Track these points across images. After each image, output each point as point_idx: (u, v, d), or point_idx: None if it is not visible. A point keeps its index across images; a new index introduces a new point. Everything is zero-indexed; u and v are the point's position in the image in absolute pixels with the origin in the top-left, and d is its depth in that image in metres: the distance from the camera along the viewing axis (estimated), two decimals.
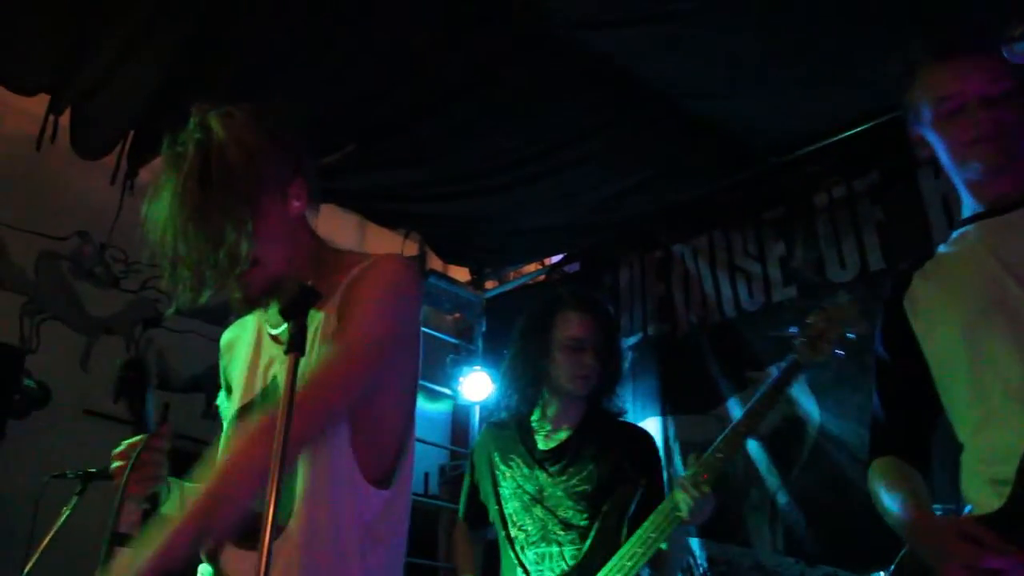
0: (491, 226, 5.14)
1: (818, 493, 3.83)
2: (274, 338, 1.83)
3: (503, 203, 4.79)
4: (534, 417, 3.04)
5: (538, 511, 2.88)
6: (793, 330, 2.80)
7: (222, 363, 1.99)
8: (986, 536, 1.50)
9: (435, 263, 5.65)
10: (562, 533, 2.83)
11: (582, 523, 2.82)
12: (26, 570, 2.89)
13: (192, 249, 1.65)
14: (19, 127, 4.11)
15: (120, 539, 2.69)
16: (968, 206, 1.87)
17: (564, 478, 2.89)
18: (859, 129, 4.02)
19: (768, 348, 4.20)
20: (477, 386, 5.37)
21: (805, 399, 4.01)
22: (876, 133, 3.95)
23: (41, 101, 3.82)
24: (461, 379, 5.42)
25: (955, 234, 1.90)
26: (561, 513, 2.85)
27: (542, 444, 2.99)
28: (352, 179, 4.53)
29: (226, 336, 2.01)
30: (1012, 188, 1.77)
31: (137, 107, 3.85)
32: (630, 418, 4.57)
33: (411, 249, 5.49)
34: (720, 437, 2.76)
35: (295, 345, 1.46)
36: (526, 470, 2.95)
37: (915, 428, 1.91)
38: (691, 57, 3.65)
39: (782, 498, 3.94)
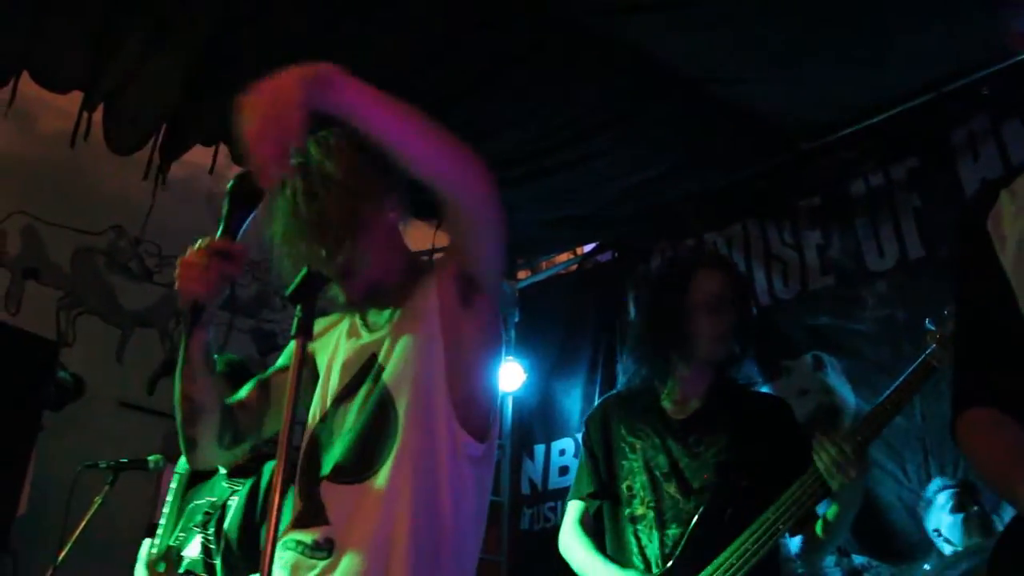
0: (522, 215, 5.11)
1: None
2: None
3: (534, 192, 4.76)
4: (665, 389, 2.86)
5: (671, 488, 2.67)
6: (930, 326, 2.55)
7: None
8: None
9: None
10: (692, 507, 2.61)
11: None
12: (60, 558, 2.95)
13: (305, 259, 1.77)
14: (54, 125, 4.18)
15: (152, 530, 2.73)
16: None
17: (701, 449, 2.69)
18: (893, 112, 3.94)
19: (803, 336, 4.14)
20: (510, 376, 5.37)
21: (841, 387, 3.96)
22: (912, 116, 3.88)
23: (74, 98, 3.88)
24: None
25: None
26: (696, 485, 2.65)
27: (674, 415, 2.81)
28: None
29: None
30: None
31: (168, 101, 3.89)
32: None
33: (442, 240, 5.48)
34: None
35: (303, 329, 1.49)
36: (657, 441, 2.75)
37: (1009, 363, 1.65)
38: (719, 41, 3.61)
39: None
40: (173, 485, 3.09)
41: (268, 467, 3.09)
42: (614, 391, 3.06)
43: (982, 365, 1.70)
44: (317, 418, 1.95)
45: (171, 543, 3.02)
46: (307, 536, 1.79)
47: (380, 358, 1.88)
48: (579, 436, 3.92)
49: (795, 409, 3.99)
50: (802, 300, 4.23)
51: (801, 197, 4.33)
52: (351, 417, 1.87)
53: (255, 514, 3.01)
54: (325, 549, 1.75)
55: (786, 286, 4.32)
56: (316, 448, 1.90)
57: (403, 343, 1.86)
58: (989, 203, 1.69)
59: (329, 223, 1.81)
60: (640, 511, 2.69)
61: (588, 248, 5.56)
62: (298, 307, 1.57)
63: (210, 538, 2.98)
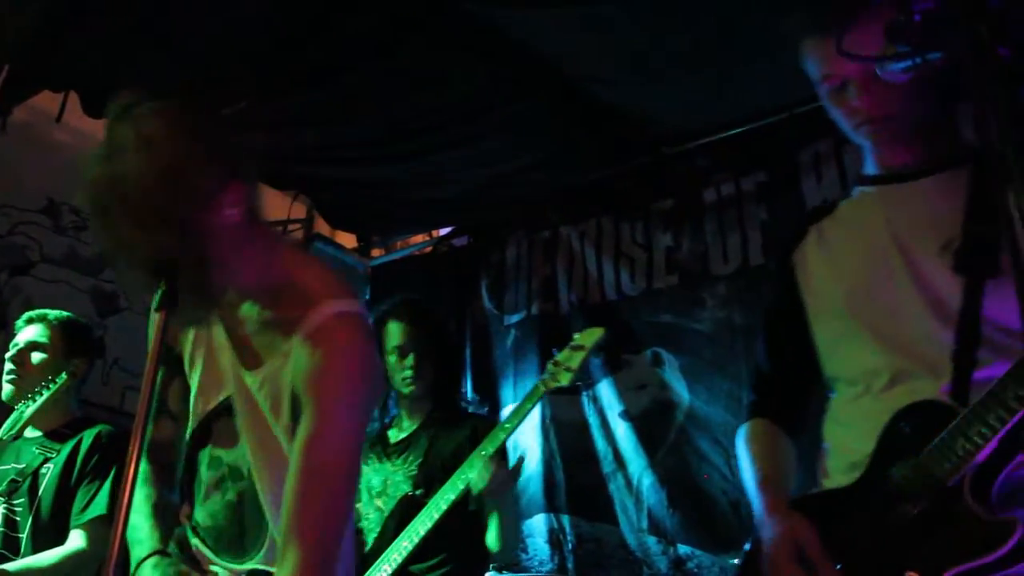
0: (381, 194, 5.09)
1: (681, 475, 3.96)
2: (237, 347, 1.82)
3: (394, 172, 4.75)
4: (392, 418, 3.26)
5: (380, 502, 3.00)
6: (555, 353, 3.15)
7: (183, 342, 1.96)
8: (818, 561, 1.53)
9: (322, 227, 5.58)
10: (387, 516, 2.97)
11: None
12: None
13: (113, 247, 1.65)
14: None
15: None
16: (871, 164, 1.83)
17: (404, 464, 3.03)
18: (749, 127, 4.14)
19: (646, 332, 4.31)
20: None
21: (676, 383, 4.14)
22: (766, 132, 4.09)
23: None
24: None
25: (856, 192, 1.88)
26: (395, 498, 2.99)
27: (393, 438, 3.17)
28: (243, 136, 4.41)
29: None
30: (911, 159, 1.73)
31: (12, 42, 3.67)
32: (509, 395, 4.68)
33: (298, 211, 5.40)
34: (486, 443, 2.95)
35: (166, 302, 1.48)
36: (377, 464, 3.09)
37: (797, 384, 1.93)
38: (594, 43, 3.69)
39: (647, 479, 4.06)
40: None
41: (89, 433, 2.98)
42: None
43: (766, 382, 1.97)
44: (191, 439, 1.90)
45: None
46: None
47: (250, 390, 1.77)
48: None
49: (631, 403, 4.22)
50: (647, 297, 4.40)
51: (656, 199, 4.51)
52: (222, 494, 1.83)
53: (71, 479, 2.90)
54: None
55: (633, 283, 4.48)
56: (192, 478, 1.89)
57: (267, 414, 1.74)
58: (799, 238, 1.92)
59: (133, 223, 1.59)
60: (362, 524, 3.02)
61: (444, 231, 5.59)
62: (161, 280, 1.55)
63: (15, 508, 2.83)
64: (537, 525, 4.28)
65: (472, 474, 2.80)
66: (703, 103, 4.04)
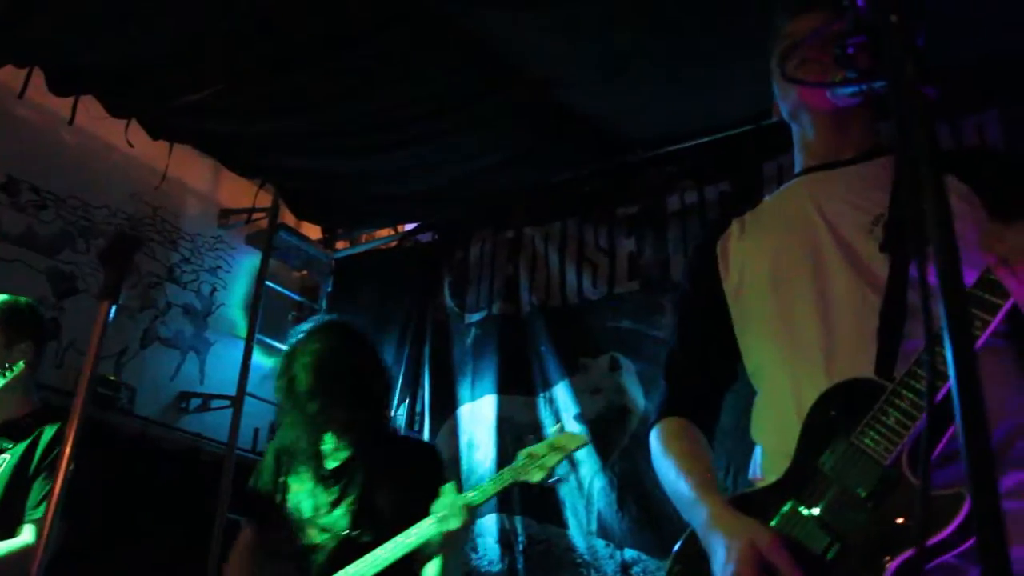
0: (348, 186, 5.08)
1: (631, 479, 3.98)
2: None
3: (362, 165, 4.75)
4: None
5: (313, 534, 2.85)
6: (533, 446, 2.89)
7: None
8: (786, 568, 1.42)
9: (287, 217, 5.56)
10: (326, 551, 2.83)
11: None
12: None
13: None
14: None
15: None
16: (800, 162, 1.84)
17: (341, 497, 2.87)
18: (716, 137, 4.18)
19: (605, 337, 4.33)
20: None
21: (633, 389, 4.16)
22: (732, 143, 4.13)
23: None
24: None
25: (783, 187, 1.88)
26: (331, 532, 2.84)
27: (328, 463, 2.95)
28: (212, 122, 4.40)
29: None
30: (840, 140, 1.75)
31: None
32: (467, 394, 4.68)
33: (264, 200, 5.38)
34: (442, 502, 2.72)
35: (108, 292, 1.47)
36: (310, 485, 2.93)
37: (713, 377, 1.86)
38: (566, 47, 3.71)
39: (598, 482, 4.08)
40: None
41: (50, 428, 2.92)
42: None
43: (679, 377, 1.88)
44: None
45: None
46: None
47: None
48: None
49: (586, 407, 4.24)
50: (608, 302, 4.42)
51: (621, 205, 4.53)
52: None
53: (27, 473, 2.85)
54: None
55: (595, 287, 4.50)
56: None
57: None
58: (722, 228, 1.88)
59: None
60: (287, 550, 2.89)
61: (409, 227, 5.59)
62: (107, 268, 1.54)
63: None
64: (488, 525, 4.29)
65: (431, 533, 2.63)
66: (671, 111, 4.08)
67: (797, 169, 1.85)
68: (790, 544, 1.44)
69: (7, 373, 2.80)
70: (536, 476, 2.78)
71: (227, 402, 5.17)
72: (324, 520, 2.84)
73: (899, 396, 1.38)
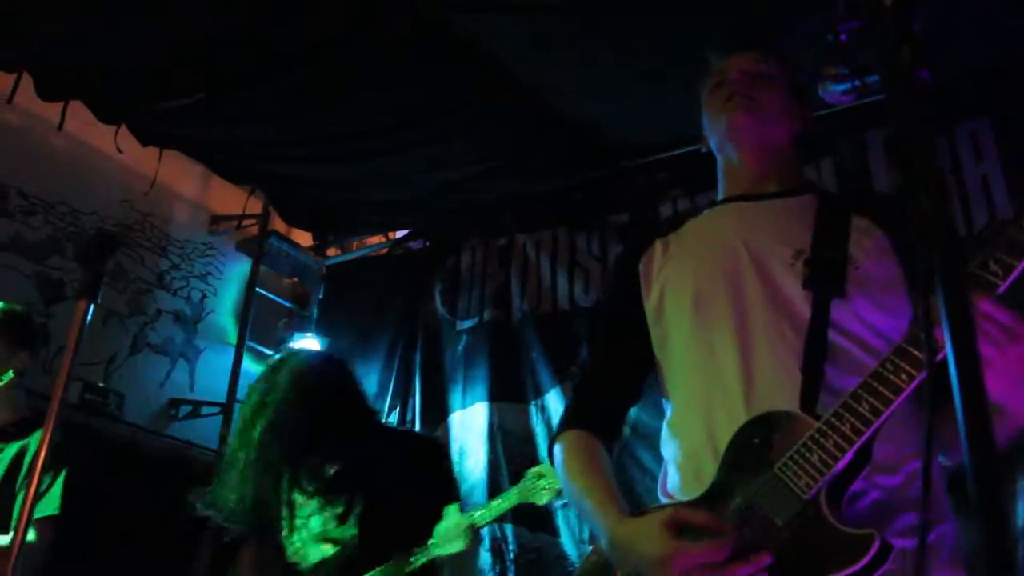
0: (338, 193, 5.07)
1: (623, 487, 3.92)
2: None
3: (353, 172, 4.74)
4: None
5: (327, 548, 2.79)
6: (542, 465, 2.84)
7: None
8: (702, 519, 1.45)
9: (278, 224, 5.54)
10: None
11: None
12: None
13: None
14: None
15: None
16: (723, 189, 1.87)
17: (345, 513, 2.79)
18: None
19: None
20: None
21: None
22: None
23: None
24: (292, 344, 5.35)
25: (705, 212, 1.90)
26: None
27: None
28: (201, 128, 4.39)
29: None
30: (764, 173, 1.79)
31: None
32: (457, 401, 4.66)
33: (254, 206, 5.36)
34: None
35: (87, 291, 1.46)
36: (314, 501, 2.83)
37: (621, 391, 1.86)
38: (558, 53, 3.71)
39: None
40: None
41: (37, 435, 2.89)
42: None
43: (587, 390, 1.90)
44: None
45: None
46: None
47: None
48: None
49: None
50: None
51: (613, 212, 4.53)
52: None
53: (16, 480, 2.82)
54: None
55: (586, 294, 4.49)
56: None
57: None
58: (644, 247, 1.89)
59: None
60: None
61: (400, 234, 5.57)
62: (85, 267, 1.54)
63: None
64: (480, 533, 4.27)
65: (435, 554, 2.60)
66: (662, 118, 4.06)
67: (720, 196, 1.89)
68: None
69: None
70: (544, 498, 2.76)
71: (217, 409, 5.14)
72: (333, 533, 2.74)
73: (823, 435, 1.40)
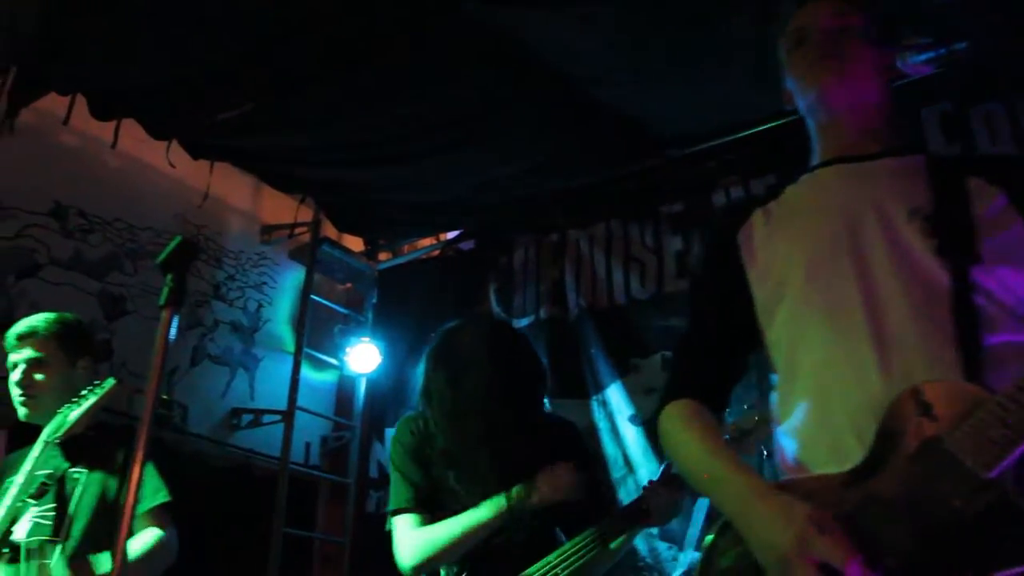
0: (387, 197, 5.08)
1: None
2: None
3: (401, 174, 4.75)
4: None
5: None
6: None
7: None
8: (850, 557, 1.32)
9: (329, 231, 5.57)
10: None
11: None
12: None
13: None
14: None
15: None
16: (820, 153, 1.77)
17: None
18: (759, 129, 4.11)
19: (655, 336, 4.28)
20: (364, 357, 5.34)
21: None
22: (776, 135, 4.05)
23: None
24: (348, 350, 5.38)
25: (805, 177, 1.78)
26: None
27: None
28: (250, 139, 4.43)
29: None
30: (864, 133, 1.70)
31: (18, 44, 3.67)
32: None
33: (305, 215, 5.40)
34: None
35: (173, 299, 1.46)
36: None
37: (727, 364, 1.78)
38: (601, 44, 3.67)
39: None
40: (36, 452, 2.82)
41: (112, 439, 2.91)
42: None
43: (692, 360, 1.80)
44: None
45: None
46: None
47: None
48: None
49: (640, 406, 4.19)
50: (657, 301, 4.37)
51: (666, 202, 4.49)
52: None
53: (105, 483, 2.81)
54: None
55: (643, 287, 4.46)
56: None
57: None
58: (742, 218, 1.79)
59: None
60: None
61: (451, 235, 5.57)
62: (168, 276, 1.54)
63: (45, 510, 2.77)
64: None
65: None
66: (708, 106, 4.02)
67: (816, 160, 1.78)
68: (857, 532, 1.35)
69: (97, 391, 2.78)
70: (616, 543, 2.69)
71: (278, 417, 5.18)
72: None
73: (1004, 409, 1.29)
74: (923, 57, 1.29)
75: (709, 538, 1.58)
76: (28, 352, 2.89)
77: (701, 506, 3.83)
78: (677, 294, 4.29)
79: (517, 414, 2.65)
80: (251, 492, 5.08)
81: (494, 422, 2.61)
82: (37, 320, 2.97)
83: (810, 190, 1.75)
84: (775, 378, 1.69)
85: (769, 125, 4.06)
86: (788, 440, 1.61)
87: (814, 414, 1.57)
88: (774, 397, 1.69)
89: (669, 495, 2.63)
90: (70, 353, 2.95)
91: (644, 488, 2.68)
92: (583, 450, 2.85)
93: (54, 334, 2.94)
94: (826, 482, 1.48)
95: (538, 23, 3.61)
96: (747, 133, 4.17)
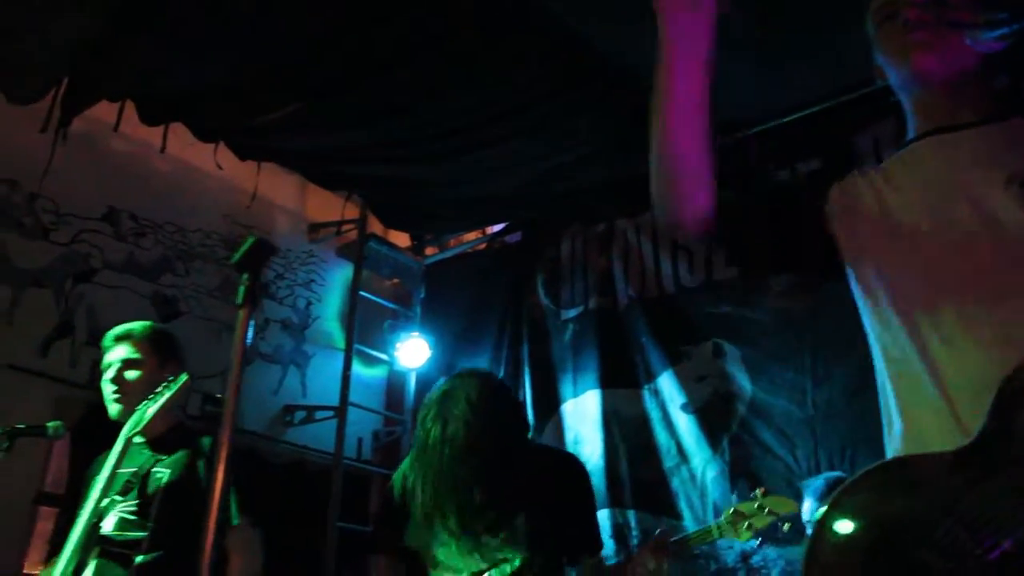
0: (433, 192, 5.09)
1: (744, 466, 3.90)
2: None
3: (446, 169, 4.74)
4: None
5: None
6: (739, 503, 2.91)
7: None
8: None
9: (376, 227, 5.60)
10: None
11: None
12: None
13: None
14: None
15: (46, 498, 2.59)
16: (916, 127, 1.71)
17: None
18: (803, 113, 4.07)
19: (705, 323, 4.26)
20: (414, 352, 5.37)
21: (739, 374, 4.08)
22: (821, 119, 4.00)
23: None
24: (398, 345, 5.41)
25: (903, 150, 1.73)
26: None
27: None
28: (295, 139, 4.46)
29: None
30: (956, 101, 1.65)
31: (71, 53, 3.73)
32: (568, 391, 4.64)
33: (352, 212, 5.43)
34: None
35: (249, 298, 1.48)
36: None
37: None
38: (643, 32, 3.63)
39: (711, 471, 4.01)
40: (118, 448, 2.90)
41: (203, 442, 2.97)
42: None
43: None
44: None
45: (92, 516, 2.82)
46: None
47: None
48: None
49: (691, 394, 4.17)
50: (706, 289, 4.35)
51: None
52: None
53: (186, 484, 2.87)
54: None
55: (692, 275, 4.43)
56: None
57: None
58: (842, 176, 1.75)
59: None
60: None
61: (497, 228, 5.57)
62: (244, 276, 1.55)
63: (129, 508, 2.84)
64: (601, 520, 4.24)
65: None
66: (756, 91, 3.96)
67: (912, 134, 1.72)
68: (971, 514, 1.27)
69: (171, 386, 2.86)
70: (744, 536, 2.81)
71: (331, 413, 5.23)
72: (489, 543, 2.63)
73: None
74: (996, 33, 1.24)
75: (819, 512, 1.53)
76: (124, 352, 3.00)
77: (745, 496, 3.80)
78: (726, 281, 4.26)
79: (503, 452, 2.60)
80: (306, 487, 5.14)
81: (483, 460, 2.56)
82: (134, 324, 3.09)
83: (904, 164, 1.71)
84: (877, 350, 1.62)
85: (814, 109, 4.01)
86: (895, 417, 1.57)
87: (928, 390, 1.51)
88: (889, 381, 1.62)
89: (657, 562, 2.66)
90: (160, 356, 3.04)
91: (630, 556, 2.77)
92: (584, 485, 2.78)
93: (148, 337, 3.06)
94: (939, 460, 1.39)
95: (580, 11, 3.58)
96: (794, 117, 4.12)
